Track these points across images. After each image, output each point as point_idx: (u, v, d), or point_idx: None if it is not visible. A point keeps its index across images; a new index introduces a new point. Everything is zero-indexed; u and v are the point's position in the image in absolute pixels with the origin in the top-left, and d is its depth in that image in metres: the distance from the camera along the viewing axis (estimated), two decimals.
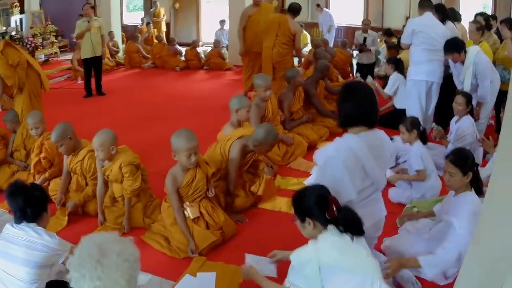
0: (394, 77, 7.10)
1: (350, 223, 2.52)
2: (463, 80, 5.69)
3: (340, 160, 2.75)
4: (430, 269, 3.10)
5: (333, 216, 2.52)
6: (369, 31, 10.30)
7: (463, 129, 5.03)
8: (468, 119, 5.09)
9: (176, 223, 3.87)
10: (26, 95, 6.20)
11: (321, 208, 2.53)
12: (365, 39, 10.13)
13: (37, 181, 4.71)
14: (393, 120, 6.42)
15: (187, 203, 3.88)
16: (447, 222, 3.29)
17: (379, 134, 2.93)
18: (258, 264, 3.13)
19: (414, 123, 4.67)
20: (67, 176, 4.59)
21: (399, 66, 7.16)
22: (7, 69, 5.97)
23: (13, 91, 6.17)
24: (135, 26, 15.76)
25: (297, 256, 2.60)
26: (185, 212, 3.87)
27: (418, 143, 4.61)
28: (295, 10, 7.91)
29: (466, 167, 3.19)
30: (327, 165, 2.85)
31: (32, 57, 6.37)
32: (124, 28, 15.26)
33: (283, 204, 4.55)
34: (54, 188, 4.69)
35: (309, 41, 13.53)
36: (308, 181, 3.49)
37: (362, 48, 10.16)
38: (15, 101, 6.26)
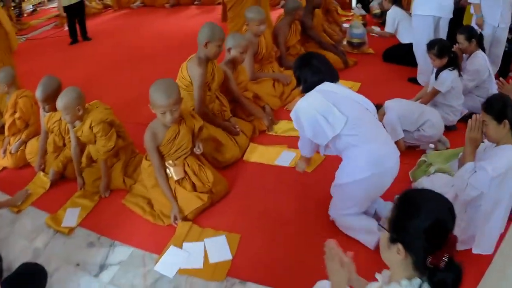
0: (393, 12, 6.44)
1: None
2: None
3: (310, 106, 2.91)
4: None
5: (437, 267, 1.55)
6: None
7: (474, 64, 4.49)
8: (479, 54, 4.52)
9: (158, 185, 3.42)
10: None
11: (430, 243, 1.56)
12: None
13: (14, 145, 4.33)
14: (400, 55, 6.06)
15: (170, 161, 3.39)
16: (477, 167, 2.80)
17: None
18: None
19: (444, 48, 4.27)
20: (45, 137, 4.15)
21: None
22: None
23: None
24: None
25: None
26: (168, 172, 3.40)
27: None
28: None
29: (499, 114, 2.65)
30: (299, 115, 2.97)
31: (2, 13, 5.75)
32: None
33: (270, 156, 4.10)
34: (31, 151, 4.29)
35: None
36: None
37: None
38: None
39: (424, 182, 3.30)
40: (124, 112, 4.84)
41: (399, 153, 2.96)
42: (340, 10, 8.48)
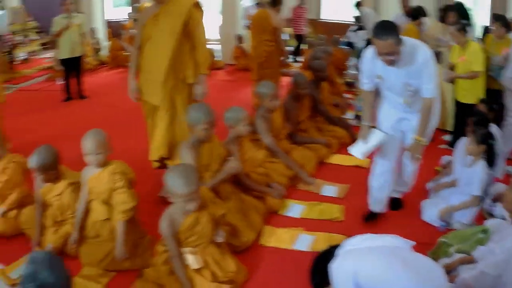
0: None
1: None
2: None
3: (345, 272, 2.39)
4: None
5: None
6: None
7: None
8: None
9: (174, 272, 3.18)
10: None
11: None
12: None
13: None
14: None
15: (190, 248, 3.17)
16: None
17: None
18: None
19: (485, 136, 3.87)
20: (41, 209, 3.74)
21: None
22: None
23: None
24: (119, 22, 14.71)
25: None
26: (187, 259, 3.17)
27: (482, 164, 3.91)
28: (274, 1, 6.83)
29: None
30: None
31: None
32: (109, 24, 14.25)
33: (287, 239, 3.91)
34: (27, 221, 3.85)
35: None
36: None
37: None
38: None
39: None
40: None
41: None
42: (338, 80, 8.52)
